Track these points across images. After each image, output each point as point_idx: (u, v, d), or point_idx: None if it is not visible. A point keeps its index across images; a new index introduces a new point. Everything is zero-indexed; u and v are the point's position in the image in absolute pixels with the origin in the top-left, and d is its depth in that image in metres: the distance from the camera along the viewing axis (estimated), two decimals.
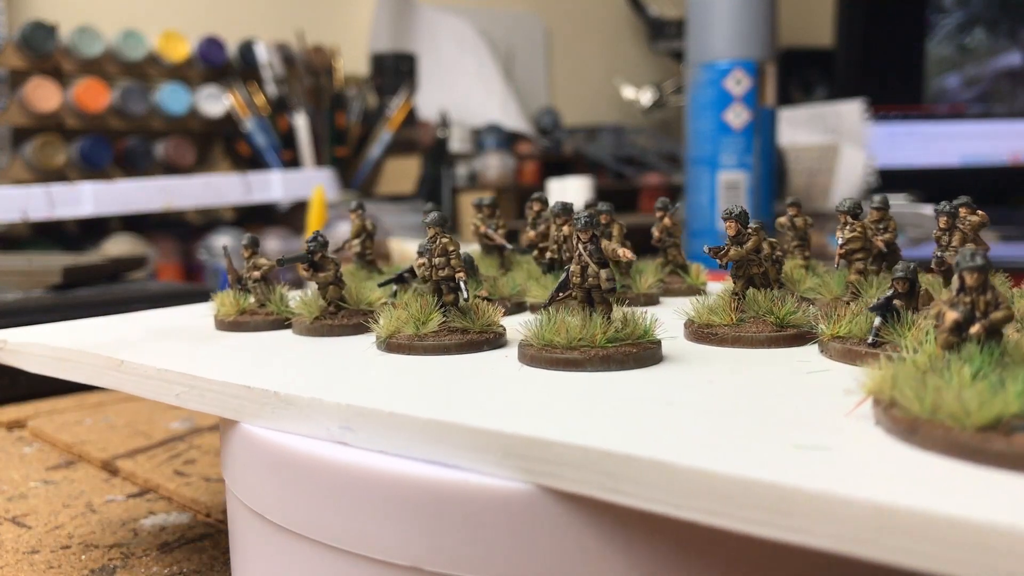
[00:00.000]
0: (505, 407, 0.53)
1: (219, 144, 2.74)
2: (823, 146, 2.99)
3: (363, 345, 0.73)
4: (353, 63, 3.07)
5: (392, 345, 0.70)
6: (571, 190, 2.76)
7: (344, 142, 2.79)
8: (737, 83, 2.10)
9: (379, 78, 2.95)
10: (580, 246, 0.68)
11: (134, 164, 2.51)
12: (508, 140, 3.18)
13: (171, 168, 2.55)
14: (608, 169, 3.30)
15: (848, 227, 0.78)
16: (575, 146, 3.37)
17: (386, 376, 0.63)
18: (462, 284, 0.73)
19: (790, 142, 3.00)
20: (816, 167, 2.98)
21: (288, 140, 2.69)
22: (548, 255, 0.94)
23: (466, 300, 0.73)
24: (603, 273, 0.67)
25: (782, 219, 0.96)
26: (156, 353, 0.71)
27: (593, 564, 0.47)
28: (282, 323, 0.81)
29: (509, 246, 1.01)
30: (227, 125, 2.64)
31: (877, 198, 0.81)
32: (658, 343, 0.66)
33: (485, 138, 3.12)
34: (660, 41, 3.81)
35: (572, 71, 3.94)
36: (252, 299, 0.83)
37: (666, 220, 0.97)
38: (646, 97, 3.79)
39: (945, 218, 0.73)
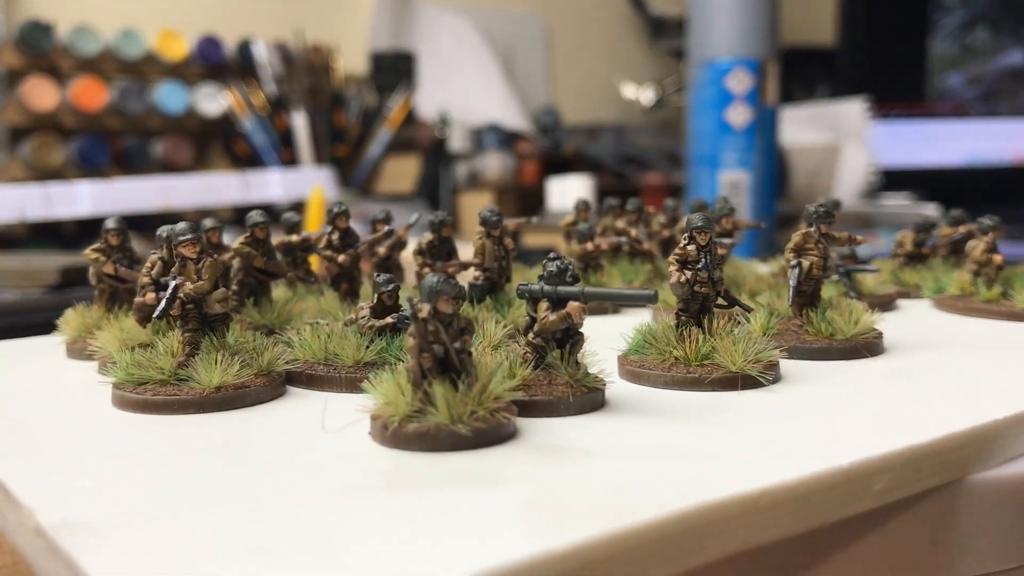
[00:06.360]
0: None
1: (217, 143, 2.73)
2: (825, 145, 2.97)
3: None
4: (352, 62, 3.06)
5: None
6: (571, 189, 2.75)
7: (343, 141, 2.77)
8: (739, 82, 2.08)
9: (378, 77, 2.93)
10: (823, 239, 0.71)
11: (132, 163, 2.49)
12: (508, 139, 3.16)
13: (169, 167, 2.54)
14: (609, 168, 3.29)
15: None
16: (575, 145, 3.36)
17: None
18: (730, 299, 0.70)
19: (792, 141, 2.98)
20: (818, 166, 2.97)
21: (287, 139, 2.68)
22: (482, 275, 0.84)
23: (749, 316, 0.69)
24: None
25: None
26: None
27: None
28: None
29: (313, 278, 0.93)
30: (225, 124, 2.63)
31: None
32: None
33: (485, 137, 3.11)
34: (661, 39, 3.79)
35: (572, 70, 3.92)
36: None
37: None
38: (647, 96, 3.78)
39: (635, 214, 1.12)
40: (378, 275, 0.75)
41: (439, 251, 0.89)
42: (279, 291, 0.96)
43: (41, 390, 0.77)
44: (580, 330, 0.63)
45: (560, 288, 0.60)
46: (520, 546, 0.41)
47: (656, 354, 0.69)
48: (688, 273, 0.67)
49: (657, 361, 0.68)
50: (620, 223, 1.12)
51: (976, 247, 1.04)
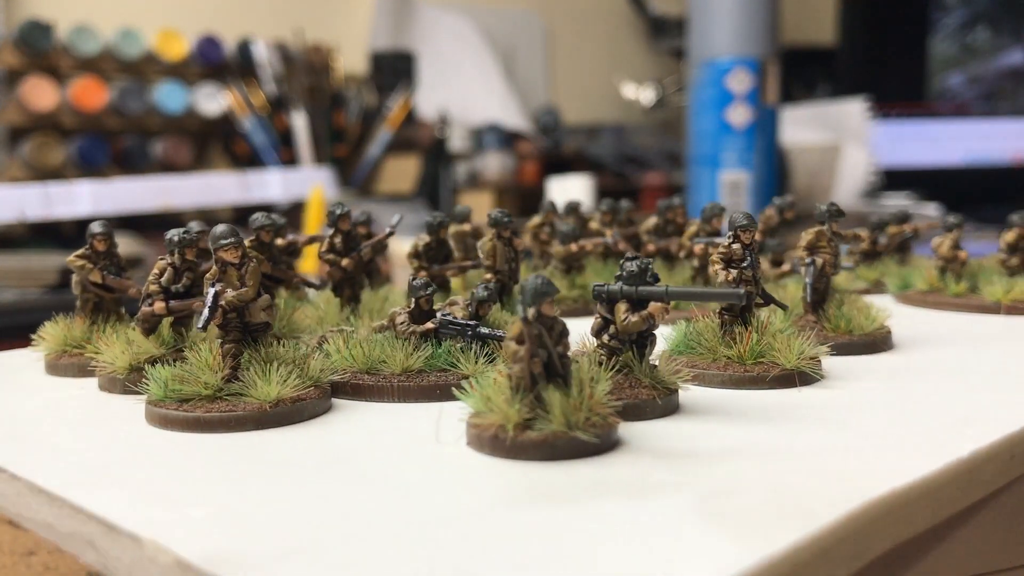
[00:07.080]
0: None
1: (217, 143, 2.72)
2: (825, 145, 2.97)
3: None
4: (352, 61, 3.05)
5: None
6: (572, 189, 2.74)
7: (343, 141, 2.77)
8: (739, 82, 2.08)
9: (378, 77, 2.93)
10: (836, 238, 0.77)
11: (131, 163, 2.49)
12: (508, 139, 3.16)
13: (168, 167, 2.54)
14: (609, 168, 3.29)
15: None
16: (576, 145, 3.35)
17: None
18: (767, 297, 0.74)
19: (792, 141, 2.98)
20: (818, 166, 2.96)
21: (286, 139, 2.68)
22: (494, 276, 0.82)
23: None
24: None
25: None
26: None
27: None
28: None
29: (319, 282, 0.92)
30: (225, 124, 2.63)
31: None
32: None
33: (485, 137, 3.10)
34: (661, 39, 3.79)
35: (573, 69, 3.92)
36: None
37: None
38: (647, 96, 3.78)
39: (610, 215, 1.16)
40: (414, 279, 0.72)
41: (436, 253, 0.87)
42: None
43: (50, 411, 0.71)
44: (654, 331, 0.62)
45: (641, 288, 0.59)
46: (738, 554, 0.40)
47: (707, 354, 0.69)
48: (734, 272, 0.68)
49: (708, 361, 0.68)
50: (594, 224, 1.12)
51: (942, 243, 1.08)
